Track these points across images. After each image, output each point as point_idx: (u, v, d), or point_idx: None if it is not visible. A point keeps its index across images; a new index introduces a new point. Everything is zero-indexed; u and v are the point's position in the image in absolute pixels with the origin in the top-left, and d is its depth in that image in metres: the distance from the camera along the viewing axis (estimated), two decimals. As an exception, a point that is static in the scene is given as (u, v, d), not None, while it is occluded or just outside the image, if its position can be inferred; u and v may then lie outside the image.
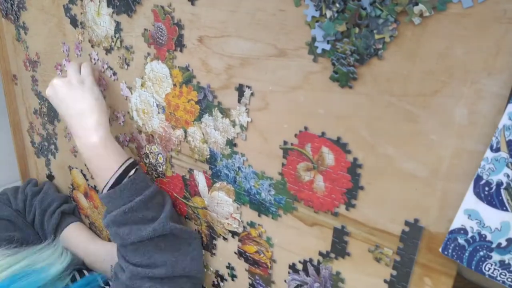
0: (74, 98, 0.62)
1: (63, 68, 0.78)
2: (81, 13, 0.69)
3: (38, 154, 0.98)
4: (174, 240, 0.59)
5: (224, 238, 0.60)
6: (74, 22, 0.72)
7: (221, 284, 0.64)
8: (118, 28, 0.63)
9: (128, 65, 0.63)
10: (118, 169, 0.59)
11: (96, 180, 0.62)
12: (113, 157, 0.60)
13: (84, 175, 0.84)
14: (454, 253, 0.38)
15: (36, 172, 1.02)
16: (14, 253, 0.63)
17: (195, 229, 0.64)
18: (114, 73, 0.67)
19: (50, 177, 0.97)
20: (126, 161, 0.60)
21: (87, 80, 0.64)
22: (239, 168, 0.54)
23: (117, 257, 0.60)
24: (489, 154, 0.34)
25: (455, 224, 0.37)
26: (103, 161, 0.60)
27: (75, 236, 0.80)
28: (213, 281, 0.66)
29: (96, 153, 0.60)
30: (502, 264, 0.35)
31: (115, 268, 0.60)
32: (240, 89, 0.51)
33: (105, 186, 0.59)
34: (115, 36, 0.64)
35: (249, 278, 0.60)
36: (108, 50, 0.66)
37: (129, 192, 0.58)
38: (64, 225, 0.82)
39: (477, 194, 0.35)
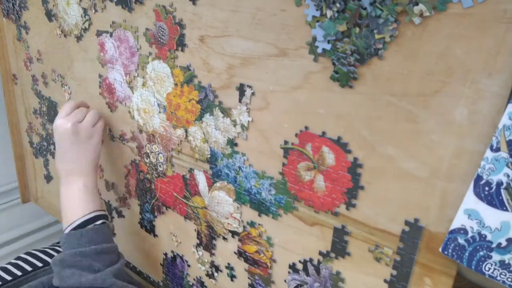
0: (76, 151, 0.65)
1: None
2: (53, 5, 0.74)
3: (36, 154, 0.98)
4: None
5: (224, 238, 0.61)
6: (49, 15, 0.76)
7: (216, 274, 0.64)
8: (85, 14, 0.68)
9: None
10: (87, 214, 0.62)
11: (63, 219, 0.63)
12: (87, 204, 0.63)
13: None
14: (454, 253, 0.38)
15: (34, 173, 1.02)
16: None
17: (195, 229, 0.64)
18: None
19: (48, 177, 0.97)
20: (97, 210, 0.63)
21: (96, 137, 0.66)
22: (239, 167, 0.54)
23: None
24: (489, 154, 0.34)
25: (455, 224, 0.37)
26: (77, 203, 0.62)
27: None
28: (207, 271, 0.66)
29: (72, 196, 0.63)
30: (502, 264, 0.35)
31: None
32: (241, 89, 0.51)
33: (68, 226, 0.61)
34: (83, 19, 0.69)
35: (248, 278, 0.60)
36: (78, 38, 0.70)
37: (87, 238, 0.60)
38: None
39: (477, 194, 0.36)
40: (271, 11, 0.45)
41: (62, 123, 0.64)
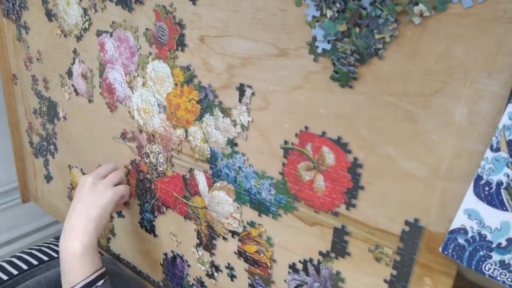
0: (88, 202, 0.64)
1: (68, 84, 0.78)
2: (53, 5, 0.74)
3: (36, 154, 0.98)
4: None
5: (224, 238, 0.61)
6: (49, 15, 0.77)
7: (216, 274, 0.64)
8: (85, 14, 0.68)
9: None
10: (88, 276, 0.61)
11: (64, 281, 0.63)
12: (87, 265, 0.62)
13: (84, 174, 0.84)
14: (454, 253, 0.38)
15: (34, 173, 1.02)
16: None
17: (195, 229, 0.64)
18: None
19: (48, 177, 0.97)
20: (97, 270, 0.63)
21: (110, 194, 0.66)
22: (239, 167, 0.54)
23: None
24: (489, 154, 0.34)
25: (455, 224, 0.37)
26: (77, 265, 0.62)
27: None
28: (207, 271, 0.66)
29: (72, 257, 0.62)
30: (502, 264, 0.35)
31: None
32: (241, 89, 0.51)
33: None
34: (83, 19, 0.69)
35: (248, 278, 0.60)
36: (78, 38, 0.71)
37: None
38: None
39: (477, 194, 0.36)
40: (271, 11, 0.45)
41: (85, 177, 0.67)
